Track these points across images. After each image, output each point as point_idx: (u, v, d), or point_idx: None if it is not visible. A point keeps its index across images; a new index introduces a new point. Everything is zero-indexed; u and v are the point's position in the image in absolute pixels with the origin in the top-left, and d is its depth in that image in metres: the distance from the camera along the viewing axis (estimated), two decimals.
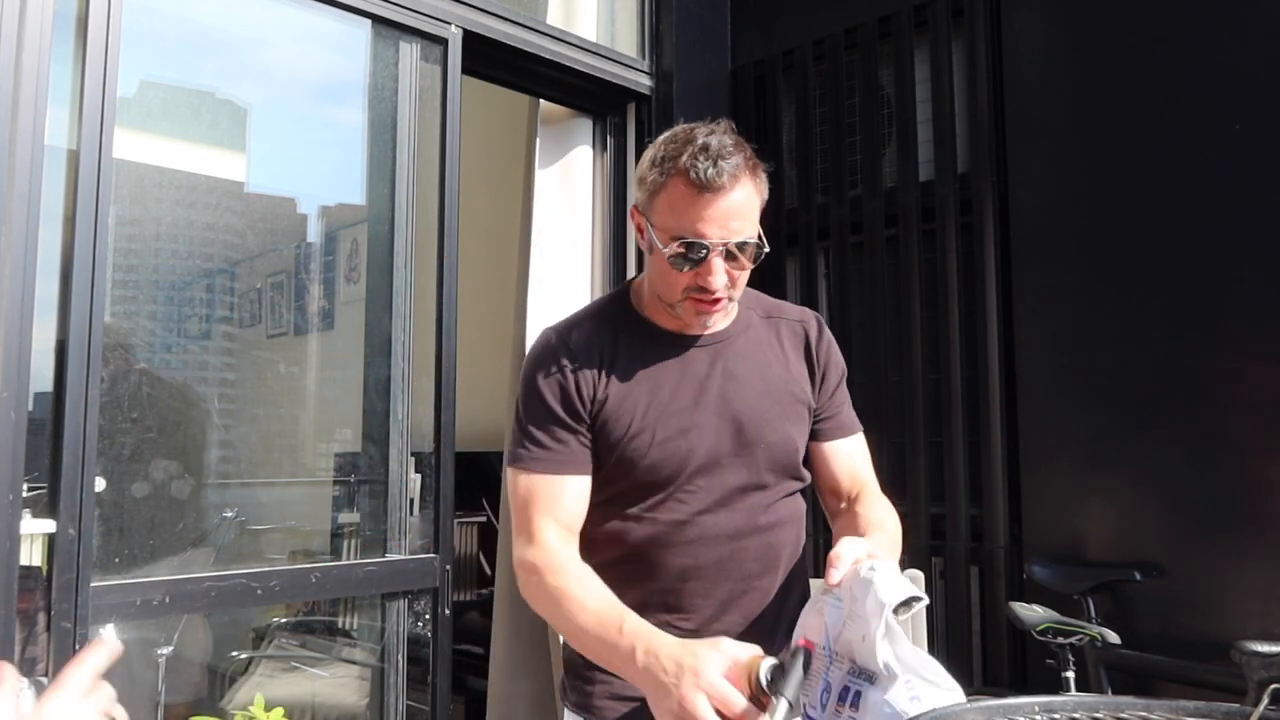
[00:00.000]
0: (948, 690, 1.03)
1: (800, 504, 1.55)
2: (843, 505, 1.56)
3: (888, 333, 3.14)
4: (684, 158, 1.35)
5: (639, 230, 1.46)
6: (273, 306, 2.93)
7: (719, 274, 1.37)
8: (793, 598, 1.51)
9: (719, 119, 1.43)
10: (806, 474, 1.55)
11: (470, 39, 2.77)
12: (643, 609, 1.33)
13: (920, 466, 2.99)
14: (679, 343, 1.49)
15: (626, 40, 3.38)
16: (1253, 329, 2.42)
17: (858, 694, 1.07)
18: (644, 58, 3.35)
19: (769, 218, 3.35)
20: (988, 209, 2.94)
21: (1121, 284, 2.65)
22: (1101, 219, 2.70)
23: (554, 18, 3.12)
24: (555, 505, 1.42)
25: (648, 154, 1.43)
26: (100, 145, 2.03)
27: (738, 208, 1.36)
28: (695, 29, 3.44)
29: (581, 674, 1.49)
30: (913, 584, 1.12)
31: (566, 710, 1.52)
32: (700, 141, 1.36)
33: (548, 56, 3.00)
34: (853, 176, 3.30)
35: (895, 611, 1.07)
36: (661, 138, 1.42)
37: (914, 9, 3.16)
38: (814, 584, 1.43)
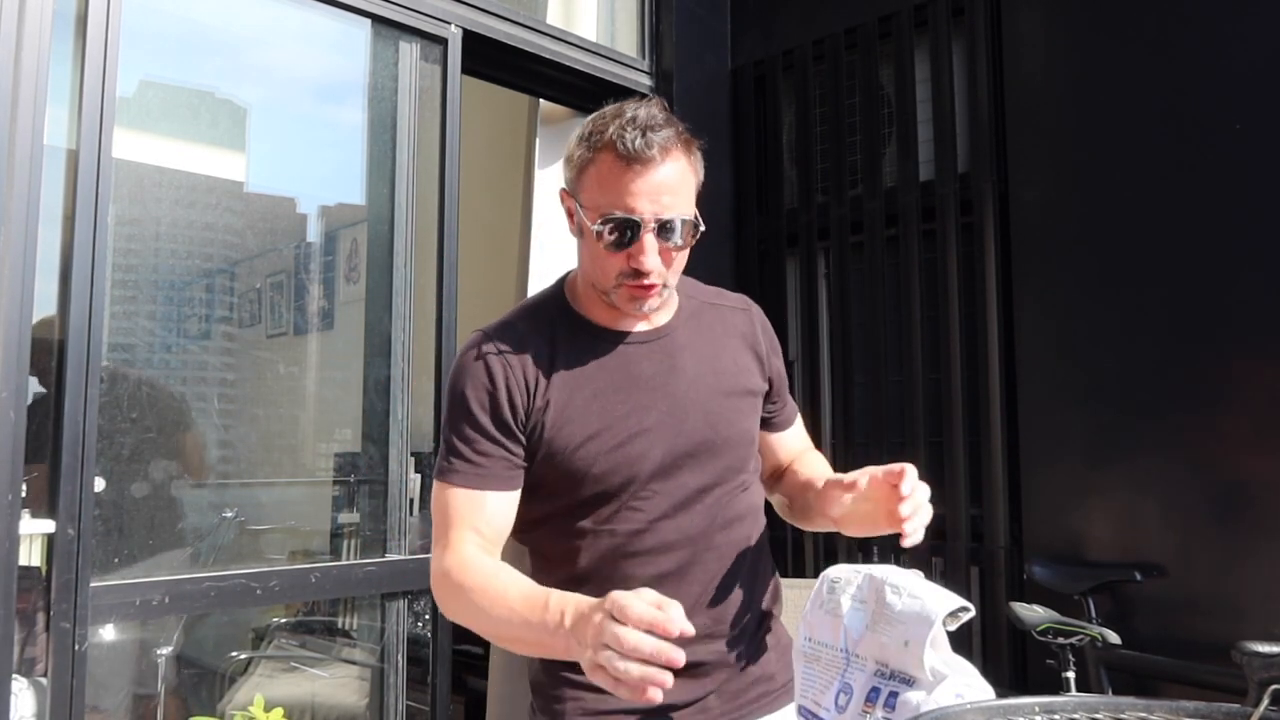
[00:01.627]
0: (983, 689, 1.07)
1: (757, 494, 1.49)
2: (780, 473, 1.61)
3: (888, 333, 3.14)
4: (610, 130, 1.28)
5: (569, 214, 1.37)
6: (272, 306, 2.92)
7: (651, 254, 1.28)
8: (760, 590, 1.45)
9: (653, 97, 1.38)
10: (759, 462, 1.51)
11: (470, 39, 2.77)
12: None
13: (920, 467, 2.96)
14: (620, 339, 1.40)
15: (626, 40, 3.38)
16: (1253, 328, 2.42)
17: (892, 694, 1.09)
18: (644, 57, 3.35)
19: (769, 217, 3.33)
20: (988, 209, 2.94)
21: (1122, 284, 2.65)
22: (1102, 219, 2.70)
23: (554, 17, 3.12)
24: (476, 519, 1.33)
25: (575, 132, 1.36)
26: (100, 145, 2.03)
27: (669, 182, 1.28)
28: (695, 29, 3.44)
29: (549, 694, 1.39)
30: (957, 595, 1.14)
31: None
32: (629, 114, 1.29)
33: (548, 56, 3.00)
34: (853, 176, 3.30)
35: (944, 621, 1.10)
36: (591, 116, 1.35)
37: (914, 9, 3.15)
38: (819, 581, 1.42)
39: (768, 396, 1.52)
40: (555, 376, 1.36)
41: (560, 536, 1.38)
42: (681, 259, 1.34)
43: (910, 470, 1.26)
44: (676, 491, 1.37)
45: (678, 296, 1.45)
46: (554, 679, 1.38)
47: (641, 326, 1.41)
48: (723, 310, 1.50)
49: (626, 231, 1.28)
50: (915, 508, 1.24)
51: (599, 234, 1.29)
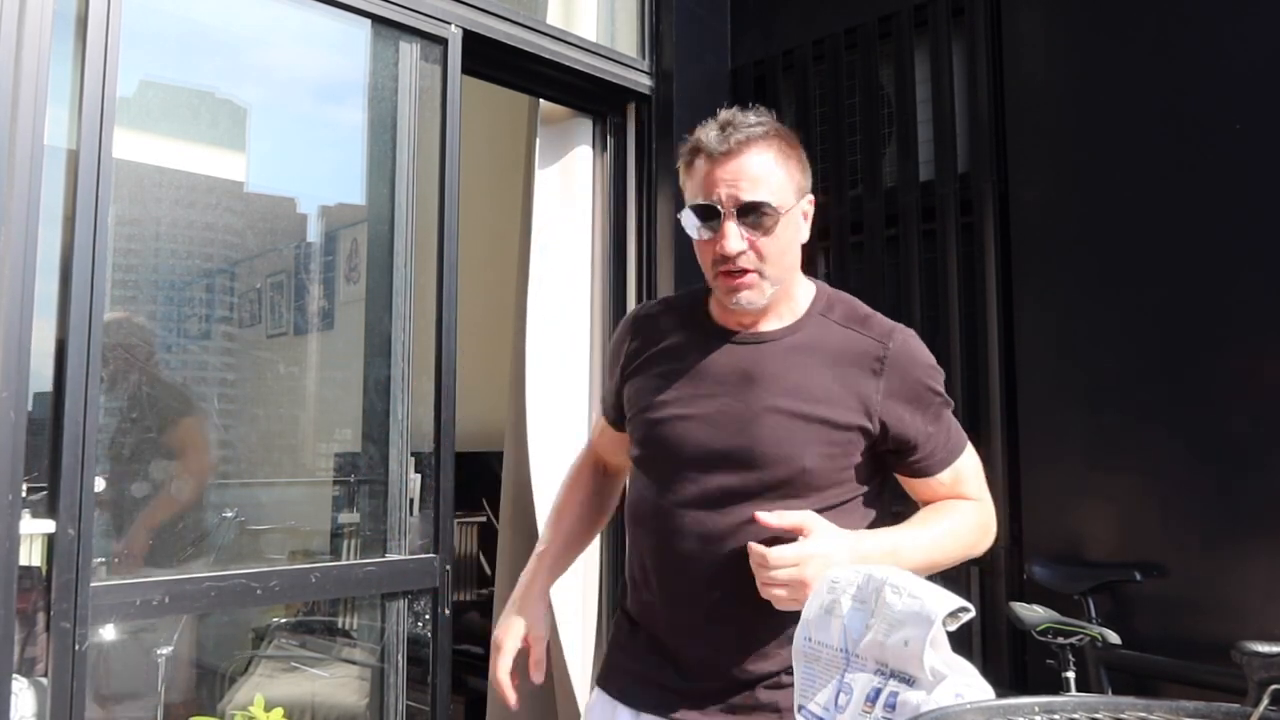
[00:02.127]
0: (983, 689, 1.08)
1: None
2: None
3: None
4: (699, 134, 1.42)
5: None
6: (273, 306, 2.92)
7: (732, 237, 1.37)
8: (761, 630, 1.40)
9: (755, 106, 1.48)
10: (834, 499, 1.44)
11: (470, 39, 2.77)
12: (629, 560, 1.58)
13: None
14: (720, 336, 1.49)
15: (626, 40, 3.38)
16: (1253, 328, 2.42)
17: (892, 694, 1.09)
18: (644, 58, 3.35)
19: None
20: (988, 209, 2.93)
21: (1122, 284, 2.65)
22: (1102, 219, 2.70)
23: (554, 18, 3.12)
24: (597, 438, 1.78)
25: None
26: (100, 145, 2.03)
27: (749, 170, 1.37)
28: (695, 29, 3.44)
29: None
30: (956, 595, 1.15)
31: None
32: (719, 118, 1.42)
33: (548, 56, 3.00)
34: (853, 176, 3.30)
35: (944, 621, 1.10)
36: None
37: (914, 9, 3.15)
38: (820, 581, 1.42)
39: (885, 441, 1.44)
40: (653, 352, 1.55)
41: (635, 477, 1.61)
42: (777, 248, 1.40)
43: (805, 529, 1.33)
44: (708, 486, 1.42)
45: (809, 309, 1.50)
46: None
47: (756, 328, 1.48)
48: (851, 335, 1.48)
49: (709, 218, 1.39)
50: (769, 577, 1.30)
51: (686, 223, 1.43)
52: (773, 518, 1.33)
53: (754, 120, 1.40)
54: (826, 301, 1.51)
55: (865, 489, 1.48)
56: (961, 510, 1.50)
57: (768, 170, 1.39)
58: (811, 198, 1.49)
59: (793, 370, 1.44)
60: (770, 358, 1.45)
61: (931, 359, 1.50)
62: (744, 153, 1.38)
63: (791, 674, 1.32)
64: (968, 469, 1.53)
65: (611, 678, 1.57)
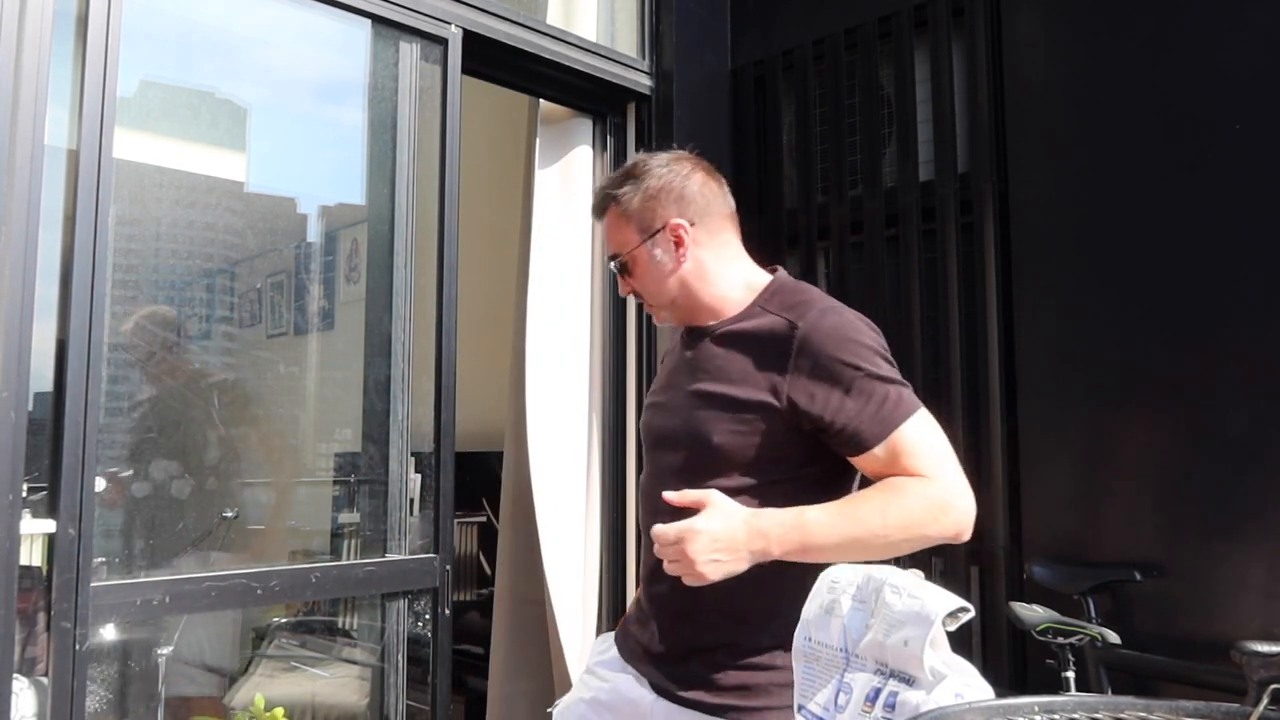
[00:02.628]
0: (982, 689, 1.08)
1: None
2: None
3: (888, 333, 3.11)
4: None
5: None
6: (273, 306, 2.93)
7: (620, 286, 1.67)
8: (701, 597, 1.45)
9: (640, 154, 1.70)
10: (766, 477, 1.49)
11: (470, 39, 2.77)
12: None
13: None
14: (688, 335, 1.67)
15: (626, 40, 3.38)
16: (1253, 328, 2.42)
17: (892, 694, 1.10)
18: (644, 58, 3.35)
19: (769, 217, 3.32)
20: (988, 209, 2.94)
21: (1122, 283, 2.65)
22: (1101, 219, 2.70)
23: (554, 18, 3.12)
24: None
25: None
26: (100, 145, 2.03)
27: (606, 231, 1.66)
28: (695, 29, 3.45)
29: None
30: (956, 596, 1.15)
31: None
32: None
33: (548, 56, 3.00)
34: (853, 176, 3.30)
35: (944, 621, 1.10)
36: None
37: (914, 9, 3.15)
38: (820, 581, 1.42)
39: (801, 419, 1.46)
40: (664, 357, 1.80)
41: None
42: (644, 285, 1.63)
43: (702, 506, 1.41)
44: (663, 464, 1.59)
45: (755, 300, 1.60)
46: None
47: (704, 324, 1.63)
48: (773, 319, 1.54)
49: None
50: (659, 553, 1.40)
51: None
52: (674, 496, 1.42)
53: (613, 176, 1.65)
54: (771, 292, 1.60)
55: (812, 469, 1.49)
56: (901, 486, 1.41)
57: (615, 225, 1.63)
58: (672, 222, 1.59)
59: (717, 357, 1.56)
60: (705, 347, 1.60)
61: (852, 334, 1.50)
62: (601, 215, 1.66)
63: (728, 651, 1.49)
64: (910, 443, 1.44)
65: (622, 624, 1.76)
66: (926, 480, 1.41)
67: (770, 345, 1.50)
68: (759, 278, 1.64)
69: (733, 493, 1.44)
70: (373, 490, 2.62)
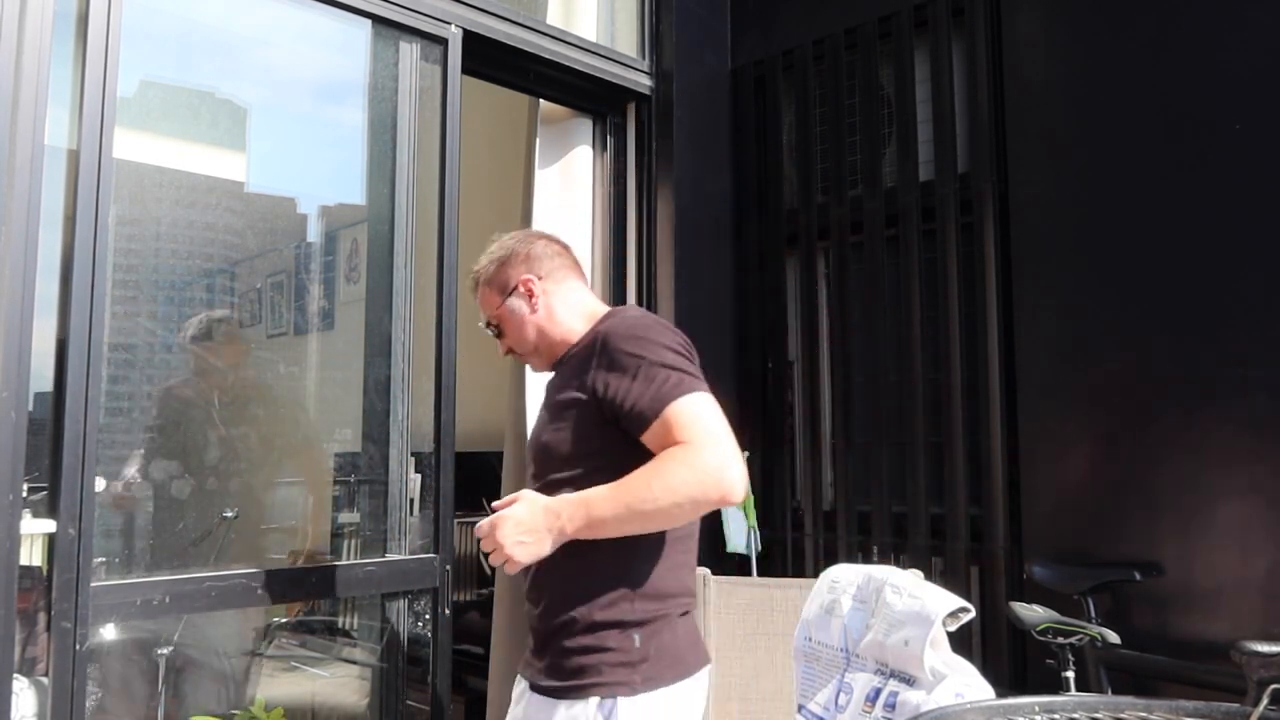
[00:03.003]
0: (982, 688, 1.09)
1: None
2: None
3: (888, 333, 3.14)
4: None
5: None
6: (273, 306, 2.93)
7: (500, 347, 1.94)
8: (564, 590, 1.67)
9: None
10: (578, 469, 1.67)
11: (470, 39, 2.77)
12: None
13: (920, 466, 2.98)
14: (555, 367, 1.89)
15: (626, 40, 3.38)
16: (1253, 329, 2.42)
17: (892, 694, 1.10)
18: (644, 57, 3.35)
19: (769, 217, 3.34)
20: (988, 209, 2.94)
21: (1121, 284, 2.65)
22: (1101, 219, 2.70)
23: (554, 18, 3.12)
24: None
25: None
26: (100, 145, 2.03)
27: (480, 304, 1.92)
28: (695, 29, 3.45)
29: None
30: (956, 596, 1.15)
31: None
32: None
33: (548, 56, 3.00)
34: (853, 176, 3.30)
35: (944, 621, 1.10)
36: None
37: (914, 9, 3.16)
38: (820, 581, 1.42)
39: (603, 408, 1.65)
40: None
41: None
42: (513, 334, 1.87)
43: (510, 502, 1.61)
44: (532, 479, 1.77)
45: (594, 329, 1.80)
46: None
47: (561, 355, 1.84)
48: (592, 334, 1.78)
49: None
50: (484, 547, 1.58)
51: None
52: (497, 502, 1.62)
53: (482, 262, 1.90)
54: (603, 318, 1.82)
55: (625, 458, 1.61)
56: (666, 455, 1.56)
57: (482, 296, 1.91)
58: (522, 278, 1.86)
59: (557, 377, 1.83)
60: (554, 376, 1.85)
61: (642, 332, 1.69)
62: (475, 294, 1.93)
63: (567, 632, 1.62)
64: (681, 415, 1.58)
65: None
66: (688, 446, 1.54)
67: (586, 353, 1.74)
68: (600, 310, 1.87)
69: (561, 484, 1.65)
70: (373, 490, 2.62)
